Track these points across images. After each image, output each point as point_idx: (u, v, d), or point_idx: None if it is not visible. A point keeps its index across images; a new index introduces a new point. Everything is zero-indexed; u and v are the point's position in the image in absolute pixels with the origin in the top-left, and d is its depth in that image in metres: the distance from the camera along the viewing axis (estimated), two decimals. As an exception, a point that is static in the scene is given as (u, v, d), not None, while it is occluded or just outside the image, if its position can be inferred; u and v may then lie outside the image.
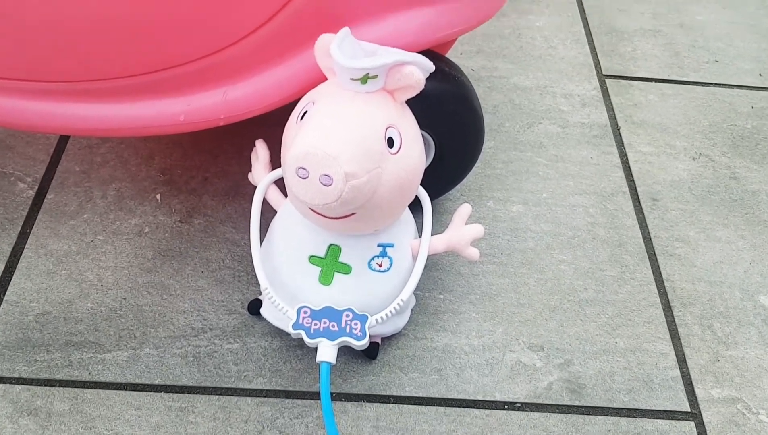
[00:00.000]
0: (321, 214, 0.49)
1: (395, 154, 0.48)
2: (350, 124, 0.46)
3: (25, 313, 0.63)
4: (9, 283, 0.65)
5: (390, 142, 0.48)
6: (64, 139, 0.78)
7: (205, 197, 0.73)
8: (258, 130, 0.67)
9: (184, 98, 0.56)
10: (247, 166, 0.75)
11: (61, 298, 0.64)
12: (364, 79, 0.47)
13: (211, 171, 0.75)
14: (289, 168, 0.45)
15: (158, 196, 0.73)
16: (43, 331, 0.62)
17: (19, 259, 0.67)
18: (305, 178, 0.45)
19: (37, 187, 0.73)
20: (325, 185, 0.45)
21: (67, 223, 0.70)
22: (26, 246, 0.68)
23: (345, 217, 0.49)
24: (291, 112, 0.57)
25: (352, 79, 0.48)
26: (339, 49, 0.47)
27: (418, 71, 0.47)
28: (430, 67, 0.49)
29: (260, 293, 0.65)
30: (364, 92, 0.48)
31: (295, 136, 0.46)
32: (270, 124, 0.64)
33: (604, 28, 0.99)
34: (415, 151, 0.50)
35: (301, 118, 0.49)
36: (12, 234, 0.69)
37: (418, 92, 0.49)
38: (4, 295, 0.64)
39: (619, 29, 0.99)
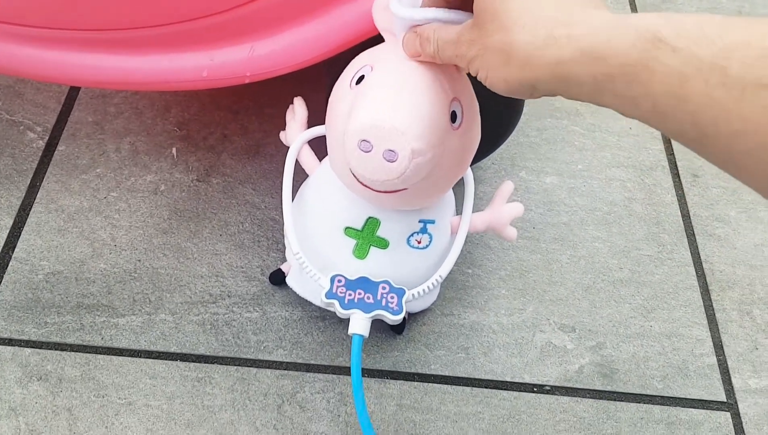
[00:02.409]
0: (369, 187, 0.45)
1: (457, 129, 0.44)
2: (418, 97, 0.41)
3: (35, 272, 0.60)
4: (18, 240, 0.62)
5: (453, 117, 0.44)
6: (76, 88, 0.74)
7: (224, 155, 0.69)
8: (281, 86, 0.63)
9: (208, 53, 0.52)
10: (269, 125, 0.72)
11: (73, 258, 0.61)
12: None
13: (230, 128, 0.71)
14: (350, 140, 0.41)
15: (174, 151, 0.69)
16: (53, 291, 0.59)
17: (28, 214, 0.64)
18: (367, 152, 0.41)
19: (47, 138, 0.69)
20: (389, 161, 0.41)
21: (79, 177, 0.67)
22: (36, 200, 0.65)
23: (395, 191, 0.45)
24: (319, 71, 0.52)
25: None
26: (399, 4, 0.42)
27: None
28: None
29: (282, 262, 0.62)
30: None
31: (355, 105, 0.42)
32: (295, 82, 0.60)
33: (646, -12, 0.94)
34: (474, 127, 0.46)
35: (357, 83, 0.45)
36: (21, 187, 0.66)
37: None
38: (12, 252, 0.61)
39: (661, -10, 0.94)
